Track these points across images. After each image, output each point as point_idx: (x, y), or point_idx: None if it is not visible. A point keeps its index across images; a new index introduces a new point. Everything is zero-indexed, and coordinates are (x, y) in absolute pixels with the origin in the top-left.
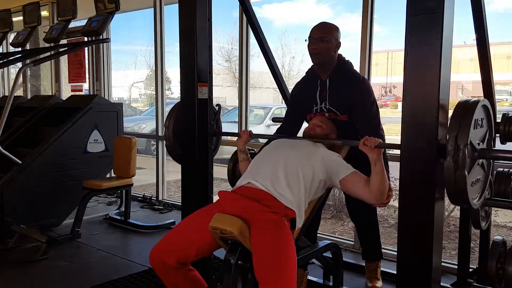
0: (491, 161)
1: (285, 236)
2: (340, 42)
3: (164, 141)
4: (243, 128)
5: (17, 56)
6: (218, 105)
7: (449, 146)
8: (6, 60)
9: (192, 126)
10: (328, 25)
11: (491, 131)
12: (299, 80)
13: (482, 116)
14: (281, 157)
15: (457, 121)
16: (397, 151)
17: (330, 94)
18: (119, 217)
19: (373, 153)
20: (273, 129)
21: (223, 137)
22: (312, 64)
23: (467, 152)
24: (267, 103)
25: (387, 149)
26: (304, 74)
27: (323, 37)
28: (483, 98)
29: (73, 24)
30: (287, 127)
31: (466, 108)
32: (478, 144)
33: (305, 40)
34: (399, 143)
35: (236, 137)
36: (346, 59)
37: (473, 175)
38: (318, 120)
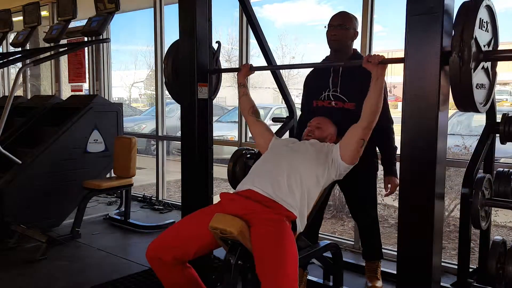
0: (496, 73)
1: (286, 234)
2: (357, 32)
3: (164, 82)
4: (243, 129)
5: (17, 56)
6: (218, 42)
7: (454, 42)
8: (6, 60)
9: (192, 126)
10: (348, 14)
11: (496, 40)
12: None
13: (487, 19)
14: (281, 161)
15: (462, 18)
16: (397, 152)
17: (342, 81)
18: (119, 217)
19: (377, 68)
20: (273, 128)
21: (223, 137)
22: (326, 55)
23: (472, 46)
24: (267, 103)
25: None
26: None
27: (342, 24)
28: None
29: (73, 24)
30: (305, 116)
31: (470, 6)
32: (484, 46)
33: (324, 27)
34: (399, 142)
35: (237, 72)
36: (361, 53)
37: (478, 78)
38: (316, 121)
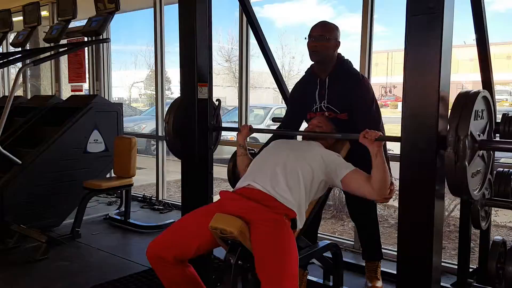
0: (491, 153)
1: (285, 234)
2: (339, 42)
3: (165, 139)
4: None
5: (17, 56)
6: (218, 100)
7: (449, 137)
8: (6, 60)
9: (192, 126)
10: (328, 24)
11: (491, 123)
12: (298, 80)
13: (483, 107)
14: (281, 158)
15: (458, 112)
16: (397, 152)
17: (329, 93)
18: (119, 217)
19: (374, 145)
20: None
21: (223, 137)
22: (311, 64)
23: (467, 143)
24: (267, 103)
25: (387, 153)
26: (304, 74)
27: (323, 35)
28: (483, 89)
29: (73, 24)
30: (286, 126)
31: (466, 98)
32: (479, 135)
33: (305, 38)
34: (399, 142)
35: (236, 132)
36: (345, 58)
37: (474, 167)
38: (317, 121)
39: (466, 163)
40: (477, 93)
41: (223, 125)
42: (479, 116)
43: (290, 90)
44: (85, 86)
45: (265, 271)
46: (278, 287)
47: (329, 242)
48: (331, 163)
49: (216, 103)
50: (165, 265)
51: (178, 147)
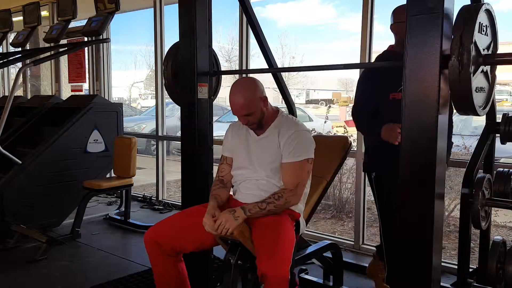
0: (494, 77)
1: (284, 223)
2: None
3: (164, 84)
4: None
5: (17, 56)
6: None
7: (453, 45)
8: (6, 60)
9: (192, 126)
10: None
11: (495, 44)
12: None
13: (487, 23)
14: (252, 175)
15: (462, 22)
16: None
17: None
18: (119, 217)
19: None
20: None
21: (222, 137)
22: (384, 50)
23: (472, 49)
24: None
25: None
26: (377, 58)
27: (400, 22)
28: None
29: (73, 24)
30: (363, 107)
31: (470, 10)
32: (483, 50)
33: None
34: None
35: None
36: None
37: (477, 82)
38: (238, 113)
39: (471, 71)
40: (480, 5)
41: (222, 125)
42: (483, 31)
43: (290, 90)
44: (85, 86)
45: (261, 249)
46: (271, 262)
47: (329, 242)
48: (290, 148)
49: (216, 48)
50: (160, 252)
51: (175, 90)
